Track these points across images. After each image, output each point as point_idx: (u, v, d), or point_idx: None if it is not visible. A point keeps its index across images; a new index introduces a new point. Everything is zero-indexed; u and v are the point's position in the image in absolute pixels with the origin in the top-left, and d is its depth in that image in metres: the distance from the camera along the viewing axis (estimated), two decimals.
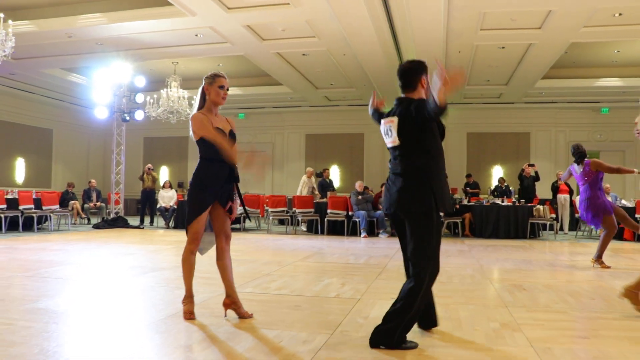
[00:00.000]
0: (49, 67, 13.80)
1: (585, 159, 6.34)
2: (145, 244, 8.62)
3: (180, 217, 12.59)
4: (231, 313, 3.41)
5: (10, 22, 8.50)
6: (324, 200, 11.92)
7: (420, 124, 2.80)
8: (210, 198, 3.35)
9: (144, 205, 13.86)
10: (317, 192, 13.03)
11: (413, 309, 2.74)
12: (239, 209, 3.75)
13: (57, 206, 11.89)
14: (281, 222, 13.70)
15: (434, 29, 9.82)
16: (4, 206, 10.53)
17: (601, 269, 6.09)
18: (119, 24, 10.22)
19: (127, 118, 12.76)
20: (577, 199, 11.48)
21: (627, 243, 9.94)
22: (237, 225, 12.20)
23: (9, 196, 11.05)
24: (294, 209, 11.93)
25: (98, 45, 11.65)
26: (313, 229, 11.80)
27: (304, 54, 12.22)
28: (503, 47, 11.38)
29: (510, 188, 13.54)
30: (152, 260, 6.46)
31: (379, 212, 11.19)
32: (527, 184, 12.67)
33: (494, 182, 15.49)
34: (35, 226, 10.93)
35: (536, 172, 12.80)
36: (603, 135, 16.23)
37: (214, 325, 3.20)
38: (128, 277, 5.07)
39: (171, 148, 19.70)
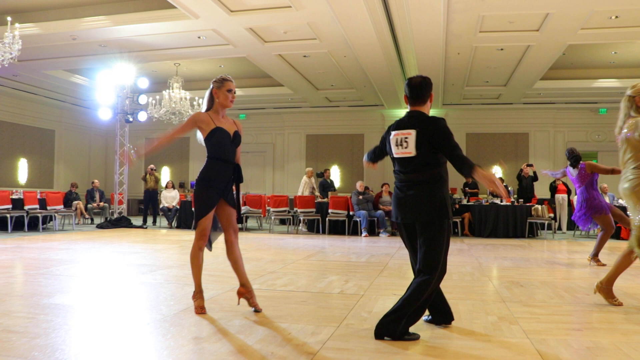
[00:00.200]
0: (52, 68, 13.94)
1: (581, 163, 6.51)
2: (150, 243, 8.76)
3: (183, 217, 12.74)
4: (243, 302, 3.59)
5: (17, 25, 8.64)
6: (325, 200, 12.08)
7: (441, 145, 2.95)
8: (216, 196, 3.50)
9: (147, 206, 14.00)
10: (317, 193, 13.18)
11: (419, 303, 2.89)
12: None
13: (62, 206, 12.03)
14: (282, 221, 13.86)
15: (434, 31, 9.96)
16: (10, 206, 10.68)
17: (597, 267, 6.25)
18: (122, 26, 10.37)
19: (131, 119, 12.90)
20: (575, 199, 11.65)
21: (625, 242, 10.09)
22: (240, 225, 12.32)
23: (15, 196, 11.19)
24: (295, 209, 12.08)
25: (101, 47, 11.79)
26: (314, 228, 11.95)
27: (305, 56, 12.37)
28: (502, 49, 11.54)
29: (509, 188, 13.69)
30: (158, 258, 6.61)
31: (379, 211, 11.35)
32: (526, 184, 12.83)
33: None
34: (40, 226, 11.07)
35: (534, 172, 12.95)
36: (601, 135, 16.40)
37: (224, 320, 3.34)
38: (137, 275, 5.21)
39: (172, 149, 19.82)
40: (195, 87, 15.23)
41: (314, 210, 11.82)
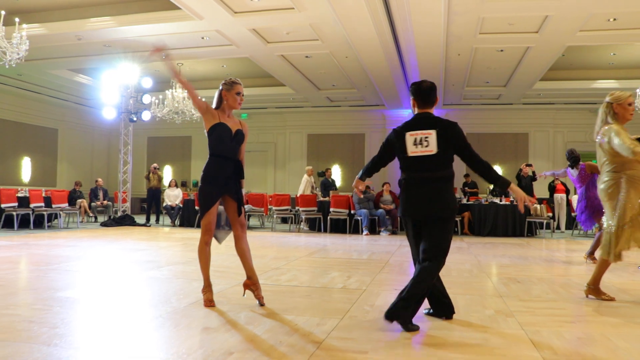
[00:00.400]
0: (57, 68, 14.10)
1: (580, 163, 6.66)
2: (155, 240, 8.92)
3: (186, 215, 12.89)
4: (249, 294, 3.74)
5: (24, 26, 8.78)
6: (327, 199, 12.23)
7: (463, 150, 3.27)
8: (218, 191, 3.65)
9: (150, 204, 14.16)
10: (316, 191, 13.35)
11: (425, 288, 3.12)
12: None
13: (66, 204, 12.19)
14: (284, 220, 14.01)
15: (434, 33, 10.10)
16: (16, 204, 10.83)
17: (593, 264, 6.39)
18: (127, 27, 10.52)
19: (135, 119, 13.05)
20: (573, 198, 11.79)
21: None
22: None
23: (20, 194, 11.34)
24: (297, 208, 12.23)
25: (106, 47, 11.95)
26: (316, 227, 12.09)
27: (307, 56, 12.52)
28: (502, 50, 11.68)
29: None
30: (164, 255, 6.76)
31: (380, 210, 11.50)
32: (525, 183, 12.95)
33: None
34: (46, 224, 11.23)
35: (533, 172, 13.08)
36: None
37: (232, 312, 3.49)
38: (144, 271, 5.36)
39: (175, 148, 20.01)
40: (198, 86, 15.36)
41: (315, 209, 11.97)
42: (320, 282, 4.80)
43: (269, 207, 13.27)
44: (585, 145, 16.56)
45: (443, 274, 5.21)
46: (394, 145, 3.37)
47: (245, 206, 4.05)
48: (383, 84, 13.97)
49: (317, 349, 2.67)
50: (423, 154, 3.22)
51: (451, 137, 3.22)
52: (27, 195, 11.32)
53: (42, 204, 11.36)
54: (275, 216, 12.64)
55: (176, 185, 14.08)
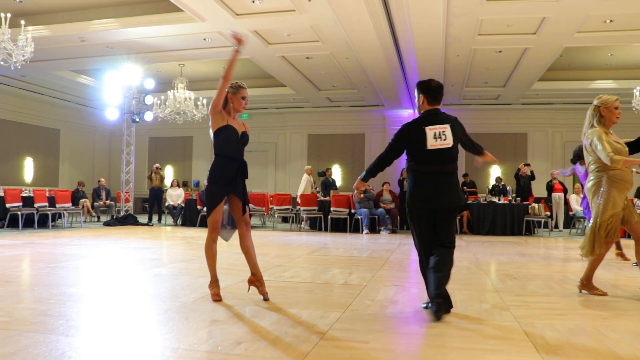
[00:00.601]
0: (60, 69, 14.22)
1: None
2: (158, 239, 9.06)
3: (188, 215, 13.04)
4: (254, 290, 3.88)
5: (30, 28, 8.92)
6: (327, 198, 12.37)
7: (465, 138, 3.64)
8: (223, 191, 3.79)
9: (152, 204, 14.31)
10: (315, 190, 13.52)
11: (450, 270, 3.44)
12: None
13: (70, 204, 12.33)
14: (284, 219, 14.15)
15: (434, 34, 10.24)
16: (20, 204, 10.97)
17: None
18: (130, 29, 10.65)
19: (137, 119, 13.19)
20: (571, 197, 11.93)
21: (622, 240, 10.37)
22: None
23: (24, 194, 11.48)
24: (297, 207, 12.38)
25: (109, 49, 12.08)
26: (316, 226, 12.24)
27: (307, 57, 12.65)
28: (500, 51, 11.82)
29: (508, 187, 13.99)
30: (169, 253, 6.91)
31: (380, 209, 11.65)
32: (523, 183, 13.11)
33: (492, 181, 15.95)
34: (50, 223, 11.37)
35: (532, 172, 13.24)
36: None
37: (238, 306, 3.63)
38: (150, 268, 5.50)
39: (176, 148, 20.14)
40: (199, 87, 15.53)
41: (316, 208, 12.11)
42: (322, 278, 4.95)
43: (270, 206, 13.41)
44: None
45: None
46: (408, 140, 3.53)
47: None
48: (383, 84, 14.11)
49: (320, 339, 2.82)
50: (442, 147, 3.46)
51: (458, 131, 3.55)
52: (32, 195, 11.46)
53: (46, 204, 11.50)
54: (276, 215, 12.78)
55: (178, 185, 14.23)
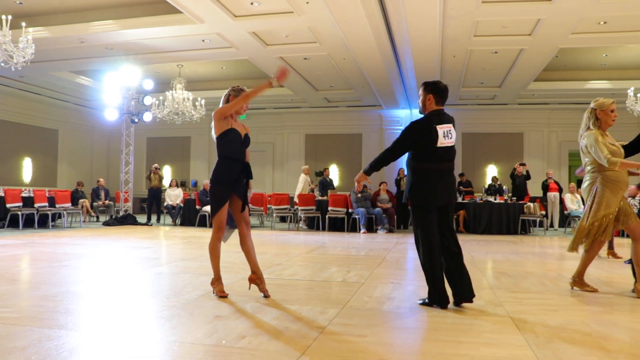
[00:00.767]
0: (59, 70, 14.28)
1: None
2: (158, 239, 9.15)
3: (186, 215, 13.13)
4: (254, 288, 3.99)
5: (30, 29, 8.99)
6: (325, 198, 12.48)
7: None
8: (227, 192, 3.91)
9: (151, 204, 14.39)
10: (311, 184, 13.67)
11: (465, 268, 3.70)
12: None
13: (69, 204, 12.40)
14: (283, 219, 14.25)
15: (430, 36, 10.36)
16: (20, 204, 11.04)
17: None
18: (129, 30, 10.73)
19: (136, 120, 13.27)
20: (566, 197, 12.06)
21: (618, 238, 10.51)
22: None
23: (24, 194, 11.55)
24: (295, 207, 12.48)
25: (108, 50, 12.16)
26: (314, 225, 12.34)
27: (305, 58, 12.75)
28: (496, 52, 11.95)
29: (504, 187, 14.13)
30: (169, 252, 7.01)
31: (377, 209, 11.77)
32: (519, 182, 13.24)
33: (488, 181, 16.09)
34: (50, 223, 11.45)
35: (527, 171, 13.37)
36: None
37: (240, 303, 3.74)
38: (152, 267, 5.60)
39: (174, 148, 20.22)
40: (198, 87, 15.62)
41: (314, 207, 12.22)
42: (321, 276, 5.06)
43: (269, 206, 13.51)
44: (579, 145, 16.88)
45: None
46: (419, 138, 3.64)
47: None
48: (380, 85, 14.22)
49: (320, 333, 2.93)
50: (450, 144, 3.67)
51: (455, 130, 3.77)
52: (32, 195, 11.53)
53: (46, 204, 11.57)
54: (274, 215, 12.88)
55: (177, 185, 14.32)
